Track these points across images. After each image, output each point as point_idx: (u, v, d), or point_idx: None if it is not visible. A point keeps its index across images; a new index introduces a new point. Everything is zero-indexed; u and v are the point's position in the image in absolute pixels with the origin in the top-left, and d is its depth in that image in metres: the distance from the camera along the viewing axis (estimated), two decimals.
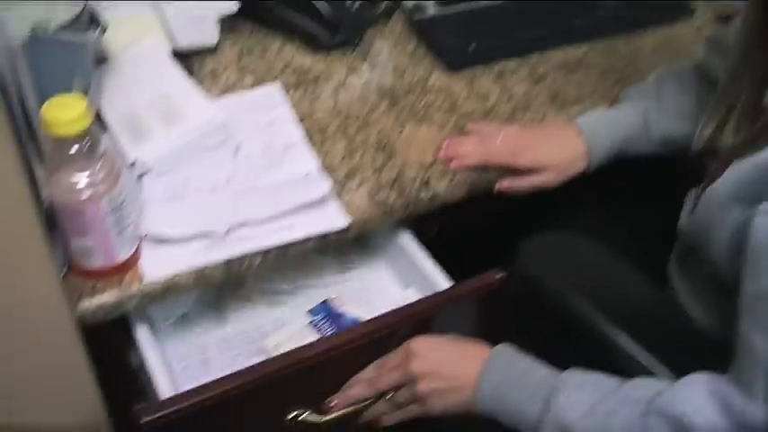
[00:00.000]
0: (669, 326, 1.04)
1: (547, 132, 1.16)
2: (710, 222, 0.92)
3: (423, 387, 0.92)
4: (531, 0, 1.46)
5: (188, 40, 1.26)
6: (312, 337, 1.03)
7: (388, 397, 0.96)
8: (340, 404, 0.97)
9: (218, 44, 1.31)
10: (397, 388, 0.95)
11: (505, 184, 1.11)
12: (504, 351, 0.92)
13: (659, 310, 1.07)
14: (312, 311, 1.07)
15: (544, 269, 1.06)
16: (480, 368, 0.90)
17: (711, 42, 1.14)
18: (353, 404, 0.97)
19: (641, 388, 0.83)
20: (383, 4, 1.41)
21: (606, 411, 0.81)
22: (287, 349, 0.97)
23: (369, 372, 0.98)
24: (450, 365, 0.92)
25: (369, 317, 1.02)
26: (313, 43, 1.34)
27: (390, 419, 0.99)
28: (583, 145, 1.12)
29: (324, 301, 1.08)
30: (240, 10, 1.31)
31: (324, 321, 1.06)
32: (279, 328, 1.07)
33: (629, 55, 1.39)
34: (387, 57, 1.34)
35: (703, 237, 0.94)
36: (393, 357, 0.96)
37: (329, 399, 0.97)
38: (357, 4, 1.36)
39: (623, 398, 0.82)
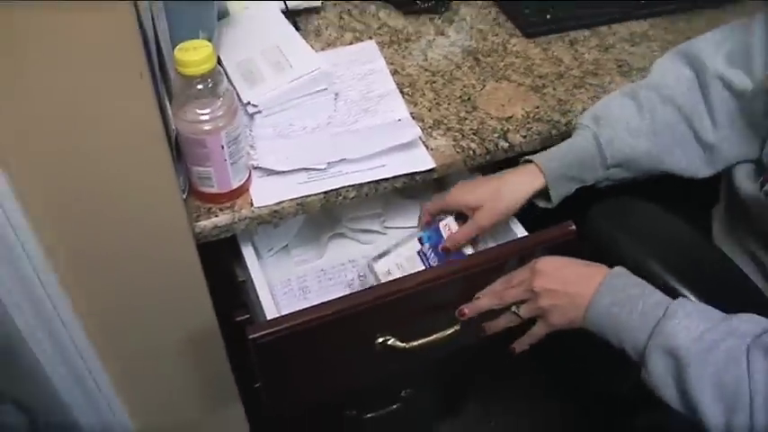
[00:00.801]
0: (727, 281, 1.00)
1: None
2: None
3: (544, 302, 0.90)
4: None
5: (297, 1, 1.24)
6: (418, 264, 1.02)
7: (513, 309, 0.93)
8: (470, 312, 0.95)
9: (322, 5, 1.30)
10: (521, 303, 0.93)
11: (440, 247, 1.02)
12: (620, 274, 0.87)
13: (720, 267, 1.03)
14: (421, 239, 1.04)
15: (614, 229, 1.02)
16: (596, 288, 0.87)
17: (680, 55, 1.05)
18: (481, 312, 0.95)
19: (748, 323, 0.78)
20: None
21: (714, 339, 0.76)
22: (390, 272, 0.98)
23: (497, 285, 0.95)
24: (571, 284, 0.89)
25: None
26: (405, 7, 1.31)
27: (521, 345, 0.97)
28: (531, 166, 1.00)
29: (436, 228, 1.04)
30: None
31: (433, 255, 1.03)
32: (386, 254, 1.04)
33: (688, 31, 1.33)
34: (471, 22, 1.31)
35: None
36: (520, 274, 0.93)
37: (460, 307, 0.95)
38: None
39: (732, 329, 0.77)
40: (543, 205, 1.02)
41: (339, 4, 1.32)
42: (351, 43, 1.24)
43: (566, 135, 1.07)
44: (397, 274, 0.99)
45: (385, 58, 1.20)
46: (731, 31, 1.00)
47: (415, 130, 1.02)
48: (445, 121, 1.08)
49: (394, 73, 1.17)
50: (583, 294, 0.87)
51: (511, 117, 1.10)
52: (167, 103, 0.88)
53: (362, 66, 1.17)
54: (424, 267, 1.01)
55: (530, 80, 1.18)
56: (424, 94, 1.13)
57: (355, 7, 1.32)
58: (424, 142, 1.03)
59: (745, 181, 1.01)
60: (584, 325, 0.87)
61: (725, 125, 0.99)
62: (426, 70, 1.19)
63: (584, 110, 1.09)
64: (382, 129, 1.04)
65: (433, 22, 1.30)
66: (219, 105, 0.86)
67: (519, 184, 0.99)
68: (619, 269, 0.88)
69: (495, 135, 1.06)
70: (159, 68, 0.89)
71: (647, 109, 1.00)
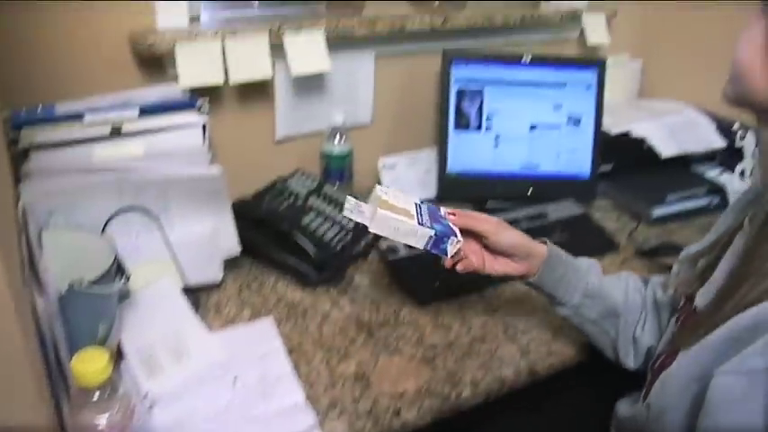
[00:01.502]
0: None
1: None
2: (667, 405, 0.95)
3: None
4: None
5: (197, 278, 1.32)
6: (410, 206, 1.11)
7: None
8: None
9: (222, 279, 1.37)
10: None
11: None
12: None
13: None
14: (423, 201, 1.16)
15: None
16: None
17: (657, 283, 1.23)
18: None
19: None
20: (362, 244, 1.49)
21: None
22: (394, 196, 1.11)
23: None
24: None
25: None
26: (302, 280, 1.40)
27: None
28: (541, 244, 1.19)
29: (437, 206, 1.17)
30: (242, 251, 1.38)
31: (426, 209, 1.13)
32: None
33: None
34: (364, 291, 1.40)
35: (659, 419, 0.97)
36: None
37: None
38: (340, 245, 1.43)
39: None
40: (525, 281, 1.19)
41: (239, 278, 1.40)
42: (250, 319, 1.29)
43: (456, 409, 1.14)
44: (391, 193, 1.11)
45: (282, 334, 1.24)
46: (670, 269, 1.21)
47: (308, 418, 1.06)
48: (340, 403, 1.11)
49: (291, 351, 1.21)
50: None
51: (404, 393, 1.14)
52: (65, 403, 0.91)
53: (260, 346, 1.21)
54: (414, 212, 1.10)
55: (421, 351, 1.23)
56: (319, 374, 1.17)
57: (255, 279, 1.40)
58: (321, 424, 1.06)
59: (628, 410, 1.10)
60: None
61: (648, 327, 1.18)
62: (322, 347, 1.23)
63: (472, 381, 1.17)
64: (278, 416, 1.07)
65: (329, 294, 1.38)
66: (117, 410, 0.89)
67: (524, 236, 1.17)
68: None
69: (389, 414, 1.10)
70: (57, 366, 0.93)
71: (624, 281, 1.23)
